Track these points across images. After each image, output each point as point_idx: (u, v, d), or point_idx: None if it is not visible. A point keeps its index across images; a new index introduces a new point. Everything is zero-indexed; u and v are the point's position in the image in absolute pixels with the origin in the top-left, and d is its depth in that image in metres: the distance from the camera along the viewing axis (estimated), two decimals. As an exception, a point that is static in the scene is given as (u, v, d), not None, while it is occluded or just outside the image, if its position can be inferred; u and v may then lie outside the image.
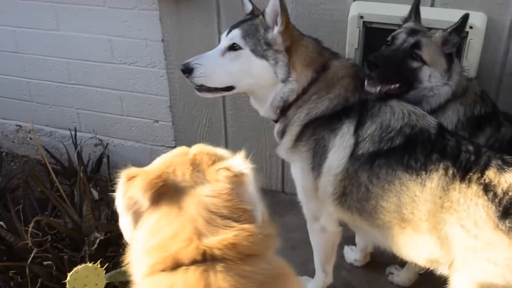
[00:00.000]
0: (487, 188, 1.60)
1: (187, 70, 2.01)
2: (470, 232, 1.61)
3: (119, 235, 1.28)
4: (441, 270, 1.82)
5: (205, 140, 3.11)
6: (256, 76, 2.00)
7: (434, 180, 1.70)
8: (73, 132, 3.31)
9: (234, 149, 2.79)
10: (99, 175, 3.23)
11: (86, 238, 2.34)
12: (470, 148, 1.72)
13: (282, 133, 2.09)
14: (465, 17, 1.97)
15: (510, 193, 1.57)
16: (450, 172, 1.68)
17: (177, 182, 1.16)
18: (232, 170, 1.15)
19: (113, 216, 2.38)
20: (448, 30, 2.00)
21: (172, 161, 1.22)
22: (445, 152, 1.74)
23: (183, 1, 2.70)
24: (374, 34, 2.40)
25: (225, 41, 2.05)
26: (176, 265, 1.06)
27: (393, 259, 2.51)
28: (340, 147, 1.92)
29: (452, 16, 2.28)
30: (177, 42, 2.85)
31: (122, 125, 3.27)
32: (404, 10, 2.31)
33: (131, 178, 1.16)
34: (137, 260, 1.14)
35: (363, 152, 1.87)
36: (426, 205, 1.70)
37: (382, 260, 2.66)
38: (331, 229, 2.17)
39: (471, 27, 2.26)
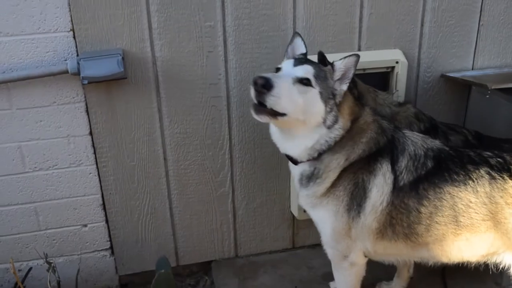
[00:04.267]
0: None
1: (268, 86, 1.87)
2: None
3: None
4: (494, 259, 2.15)
5: (149, 228, 2.86)
6: (310, 115, 2.00)
7: (486, 185, 2.00)
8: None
9: (183, 229, 2.74)
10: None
11: None
12: (489, 153, 2.09)
13: (310, 178, 2.13)
14: (320, 54, 2.24)
15: None
16: (495, 175, 2.01)
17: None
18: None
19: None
20: None
21: None
22: (475, 161, 2.06)
23: (116, 86, 2.49)
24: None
25: (297, 71, 2.00)
26: None
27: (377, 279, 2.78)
28: (382, 185, 2.08)
29: (377, 56, 2.70)
30: (110, 132, 2.59)
31: (39, 243, 2.75)
32: None
33: None
34: None
35: (404, 183, 2.07)
36: (486, 207, 2.00)
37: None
38: (361, 262, 2.28)
39: (397, 62, 2.71)
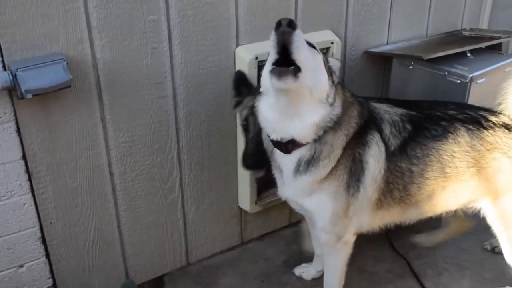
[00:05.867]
0: (508, 127, 2.24)
1: (293, 25, 1.71)
2: None
3: None
4: (474, 206, 2.37)
5: (96, 253, 2.53)
6: (317, 84, 1.89)
7: (465, 135, 2.20)
8: None
9: (133, 247, 2.52)
10: None
11: None
12: (453, 112, 2.28)
13: (310, 162, 2.05)
14: (238, 73, 2.46)
15: None
16: (470, 126, 2.21)
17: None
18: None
19: None
20: None
21: None
22: (445, 119, 2.24)
23: (53, 98, 2.12)
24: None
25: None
26: None
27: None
28: (378, 154, 2.14)
29: (314, 38, 2.69)
30: (48, 152, 2.20)
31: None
32: None
33: None
34: None
35: (394, 148, 2.17)
36: (469, 154, 2.20)
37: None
38: (352, 240, 2.31)
39: (332, 43, 2.76)
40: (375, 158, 2.13)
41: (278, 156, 2.14)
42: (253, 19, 2.52)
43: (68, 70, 2.00)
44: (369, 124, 2.16)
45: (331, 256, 2.35)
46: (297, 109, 1.93)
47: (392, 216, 2.29)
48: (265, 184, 2.74)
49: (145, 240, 2.67)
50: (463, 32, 3.28)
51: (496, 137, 2.22)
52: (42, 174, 2.23)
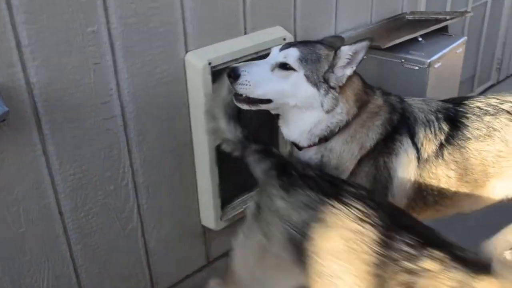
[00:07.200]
0: None
1: (234, 75, 1.92)
2: None
3: None
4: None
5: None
6: (300, 99, 1.92)
7: None
8: None
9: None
10: None
11: None
12: (495, 100, 2.12)
13: (320, 167, 1.99)
14: None
15: None
16: None
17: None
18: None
19: None
20: None
21: None
22: (489, 112, 2.06)
23: (-16, 135, 1.79)
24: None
25: (278, 56, 1.96)
26: None
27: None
28: (406, 162, 2.01)
29: (265, 37, 2.55)
30: (-17, 198, 1.87)
31: None
32: (242, 41, 2.42)
33: None
34: None
35: (428, 153, 2.02)
36: None
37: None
38: None
39: (284, 39, 2.58)
40: (403, 166, 2.00)
41: (295, 151, 2.13)
42: (201, 22, 2.29)
43: (3, 101, 1.68)
44: (399, 129, 2.01)
45: None
46: (288, 118, 2.03)
47: (426, 216, 2.15)
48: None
49: (105, 278, 2.37)
50: (406, 16, 3.23)
51: None
52: (-21, 225, 1.88)
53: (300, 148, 2.08)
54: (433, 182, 2.06)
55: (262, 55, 2.49)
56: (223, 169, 2.53)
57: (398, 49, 2.68)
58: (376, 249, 1.49)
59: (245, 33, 2.51)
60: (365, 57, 2.72)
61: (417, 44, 2.75)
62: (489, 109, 2.09)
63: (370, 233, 1.52)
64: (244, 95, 1.95)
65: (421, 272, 1.42)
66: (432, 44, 2.75)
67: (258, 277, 1.87)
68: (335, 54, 1.94)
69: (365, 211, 1.57)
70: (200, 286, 2.67)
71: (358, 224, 1.54)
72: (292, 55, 1.92)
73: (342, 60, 1.93)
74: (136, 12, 2.06)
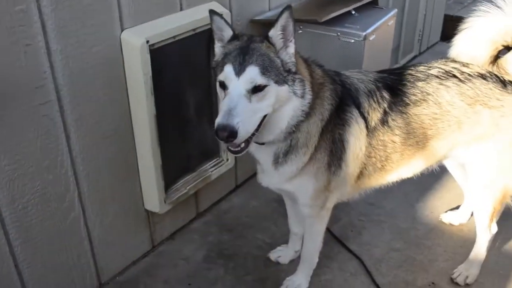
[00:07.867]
0: (483, 77, 2.15)
1: (233, 134, 1.70)
2: (495, 106, 2.13)
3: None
4: (452, 156, 2.32)
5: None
6: (281, 102, 1.86)
7: (445, 95, 2.11)
8: None
9: (37, 283, 2.17)
10: None
11: None
12: (425, 66, 2.22)
13: (287, 152, 2.00)
14: None
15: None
16: (447, 83, 2.12)
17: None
18: None
19: None
20: None
21: None
22: (420, 78, 2.15)
23: None
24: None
25: (243, 83, 1.76)
26: None
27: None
28: (358, 132, 2.06)
29: (202, 13, 2.49)
30: None
31: None
32: (179, 18, 2.35)
33: None
34: None
35: (375, 122, 2.09)
36: (450, 114, 2.12)
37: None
38: (331, 206, 2.27)
39: (221, 15, 2.52)
40: (355, 136, 2.06)
41: (253, 151, 2.06)
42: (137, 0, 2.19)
43: None
44: (345, 100, 2.05)
45: (315, 225, 2.31)
46: (266, 122, 1.88)
47: (373, 182, 2.26)
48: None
49: (49, 272, 2.26)
50: (337, -10, 3.26)
51: (476, 90, 2.14)
52: None
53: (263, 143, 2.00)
54: (381, 148, 2.13)
55: (199, 32, 2.46)
56: (165, 150, 2.48)
57: (333, 23, 2.70)
58: None
59: (181, 9, 2.44)
60: (300, 30, 2.77)
61: (351, 18, 2.79)
62: (419, 75, 2.18)
63: None
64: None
65: None
66: (366, 17, 2.80)
67: None
68: (270, 43, 1.87)
69: None
70: (146, 271, 2.63)
71: None
72: (256, 74, 1.78)
73: (278, 43, 1.87)
74: (67, -11, 1.93)
